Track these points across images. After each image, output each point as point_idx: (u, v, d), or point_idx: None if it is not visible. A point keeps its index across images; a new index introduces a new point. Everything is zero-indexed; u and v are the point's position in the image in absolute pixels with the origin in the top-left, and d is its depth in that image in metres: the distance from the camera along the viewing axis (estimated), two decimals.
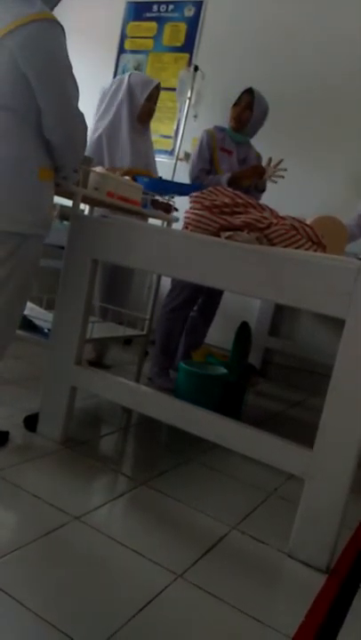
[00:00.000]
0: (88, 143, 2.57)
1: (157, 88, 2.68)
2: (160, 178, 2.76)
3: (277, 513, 1.72)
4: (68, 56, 1.56)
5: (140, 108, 2.63)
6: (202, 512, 1.62)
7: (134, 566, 1.29)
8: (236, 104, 2.80)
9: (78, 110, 1.59)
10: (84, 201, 2.18)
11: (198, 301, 2.94)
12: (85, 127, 1.63)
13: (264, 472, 1.87)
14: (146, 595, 1.19)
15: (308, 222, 1.99)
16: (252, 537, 1.53)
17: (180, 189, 2.44)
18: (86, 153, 2.52)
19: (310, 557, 1.44)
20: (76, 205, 1.91)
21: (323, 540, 1.42)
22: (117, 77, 2.76)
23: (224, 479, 1.89)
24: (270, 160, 2.75)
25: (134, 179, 2.47)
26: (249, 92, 2.78)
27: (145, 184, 2.37)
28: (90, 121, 2.28)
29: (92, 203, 2.39)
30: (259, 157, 2.96)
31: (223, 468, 1.96)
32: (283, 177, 2.74)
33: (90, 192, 1.97)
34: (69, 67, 1.56)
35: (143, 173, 2.60)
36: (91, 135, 2.60)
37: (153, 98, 2.66)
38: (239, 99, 2.79)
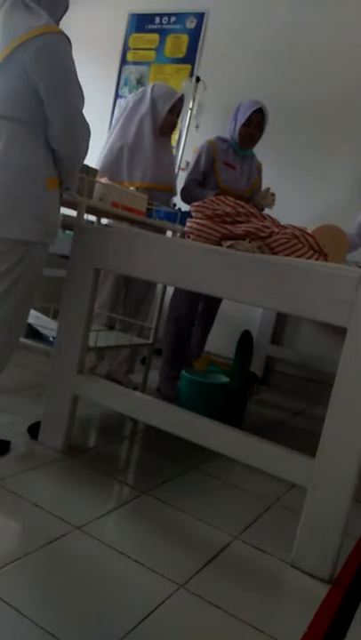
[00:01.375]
0: (105, 155, 2.60)
1: (181, 100, 2.63)
2: (179, 209, 2.73)
3: (280, 522, 1.71)
4: (75, 68, 1.59)
5: (163, 121, 2.58)
6: (204, 522, 1.61)
7: (136, 576, 1.29)
8: (246, 124, 2.74)
9: (84, 121, 1.62)
10: (89, 211, 2.20)
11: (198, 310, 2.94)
12: (89, 136, 1.65)
13: (266, 481, 1.86)
14: (147, 605, 1.19)
15: (309, 231, 2.00)
16: (254, 547, 1.53)
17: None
18: (103, 165, 2.57)
19: (313, 567, 1.43)
20: (80, 215, 1.93)
21: (325, 549, 1.41)
22: (141, 89, 2.70)
23: (226, 488, 1.88)
24: (268, 189, 2.78)
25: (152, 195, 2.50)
26: (259, 112, 2.73)
27: (162, 214, 2.42)
28: (98, 130, 2.31)
29: (97, 213, 2.41)
30: (260, 169, 2.95)
31: (225, 478, 1.95)
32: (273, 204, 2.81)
33: (94, 202, 1.99)
34: (77, 79, 1.59)
35: (163, 189, 2.61)
36: (108, 148, 2.60)
37: (175, 110, 2.61)
38: (249, 119, 2.72)
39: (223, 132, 2.91)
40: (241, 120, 2.74)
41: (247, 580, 1.37)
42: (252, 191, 2.90)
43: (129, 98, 2.68)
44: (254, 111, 2.72)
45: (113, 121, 2.72)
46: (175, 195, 2.81)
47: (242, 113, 2.75)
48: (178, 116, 2.65)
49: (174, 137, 3.89)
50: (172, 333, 2.84)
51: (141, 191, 2.46)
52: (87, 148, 1.68)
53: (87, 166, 1.98)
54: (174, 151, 3.89)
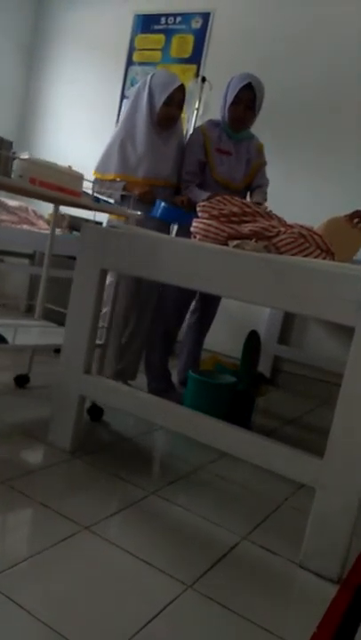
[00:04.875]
0: (105, 149, 2.52)
1: (181, 90, 2.40)
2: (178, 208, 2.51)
3: (288, 523, 1.70)
4: None
5: (158, 112, 2.40)
6: (212, 522, 1.61)
7: (144, 576, 1.29)
8: (234, 102, 2.44)
9: None
10: (10, 190, 1.96)
11: (195, 311, 2.83)
12: None
13: (275, 481, 1.85)
14: (156, 605, 1.19)
15: (318, 226, 1.98)
16: (262, 547, 1.52)
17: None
18: (101, 159, 2.52)
19: (321, 568, 1.42)
20: None
21: (334, 549, 1.40)
22: (143, 79, 2.53)
23: (234, 488, 1.88)
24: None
25: (150, 192, 2.42)
26: (248, 88, 2.42)
27: (161, 211, 2.32)
28: (105, 130, 2.28)
29: (20, 192, 2.11)
30: (261, 150, 2.68)
31: (233, 478, 1.95)
32: None
33: (13, 180, 1.74)
34: None
35: (159, 185, 2.47)
36: (109, 141, 2.53)
37: (174, 101, 2.39)
38: (237, 97, 2.43)
39: None
40: (229, 99, 2.45)
41: (255, 581, 1.36)
42: (253, 176, 2.68)
43: (134, 87, 2.56)
44: (242, 87, 2.40)
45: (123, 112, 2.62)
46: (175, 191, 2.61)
47: (230, 90, 2.46)
48: (179, 107, 2.44)
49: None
50: (158, 350, 2.67)
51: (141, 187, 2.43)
52: None
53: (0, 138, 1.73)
54: None
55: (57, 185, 1.86)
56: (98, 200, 2.29)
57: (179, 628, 1.14)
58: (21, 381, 2.49)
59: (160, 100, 2.38)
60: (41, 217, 3.75)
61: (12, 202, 3.45)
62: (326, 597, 1.33)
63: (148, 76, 2.47)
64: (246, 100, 2.45)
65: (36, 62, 4.69)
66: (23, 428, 2.03)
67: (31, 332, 2.28)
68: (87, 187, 2.18)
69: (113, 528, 1.47)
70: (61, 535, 1.38)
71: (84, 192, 2.14)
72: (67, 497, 1.59)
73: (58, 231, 3.53)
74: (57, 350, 1.99)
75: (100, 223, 2.46)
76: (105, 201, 2.42)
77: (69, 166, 2.01)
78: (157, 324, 2.65)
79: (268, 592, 1.33)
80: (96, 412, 2.24)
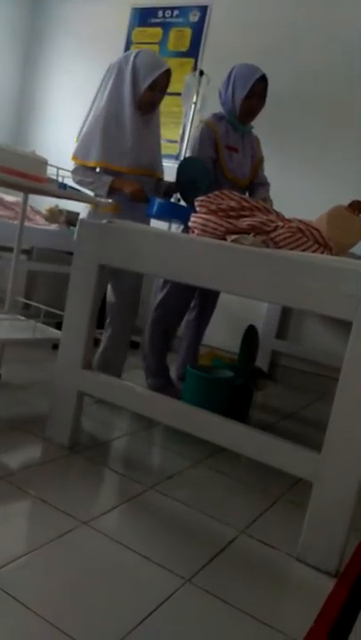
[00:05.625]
0: (85, 131, 2.27)
1: (167, 74, 2.24)
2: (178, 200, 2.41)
3: (286, 517, 1.71)
4: None
5: (141, 97, 2.23)
6: (210, 516, 1.61)
7: (143, 571, 1.29)
8: (248, 96, 2.40)
9: None
10: None
11: (194, 307, 2.79)
12: None
13: (272, 476, 1.86)
14: (154, 599, 1.19)
15: (324, 212, 1.97)
16: (260, 541, 1.53)
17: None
18: (81, 142, 2.25)
19: (319, 561, 1.43)
20: None
21: (331, 543, 1.41)
22: (127, 53, 2.32)
23: (232, 483, 1.89)
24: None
25: (141, 189, 2.23)
26: (262, 81, 2.41)
27: (154, 208, 2.18)
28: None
29: None
30: (259, 144, 2.67)
31: (231, 472, 1.96)
32: None
33: None
34: None
35: (142, 174, 2.31)
36: (90, 121, 2.29)
37: (158, 86, 2.24)
38: (251, 90, 2.39)
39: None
40: (242, 92, 2.39)
41: (253, 574, 1.37)
42: (256, 170, 2.65)
43: (112, 65, 2.31)
44: (258, 80, 2.38)
45: (97, 90, 2.34)
46: (162, 182, 2.48)
47: (240, 83, 2.41)
48: (162, 93, 2.29)
49: (176, 131, 3.89)
50: (157, 348, 2.61)
51: (126, 177, 2.25)
52: None
53: None
54: (177, 146, 3.89)
55: (17, 170, 1.76)
56: (65, 187, 2.15)
57: (177, 621, 1.15)
58: None
59: (145, 84, 2.21)
60: (38, 212, 3.74)
61: (9, 197, 3.43)
62: (324, 591, 1.34)
63: (132, 55, 2.25)
64: (259, 92, 2.43)
65: (33, 55, 4.66)
66: (20, 423, 2.03)
67: (2, 327, 2.21)
68: (63, 174, 2.10)
69: (111, 523, 1.48)
70: (60, 530, 1.38)
71: (50, 178, 2.03)
72: (65, 492, 1.59)
73: (55, 226, 3.53)
74: (55, 346, 1.99)
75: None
76: (73, 188, 2.26)
77: (33, 151, 1.93)
78: (158, 322, 2.64)
79: (267, 585, 1.34)
80: None
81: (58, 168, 2.08)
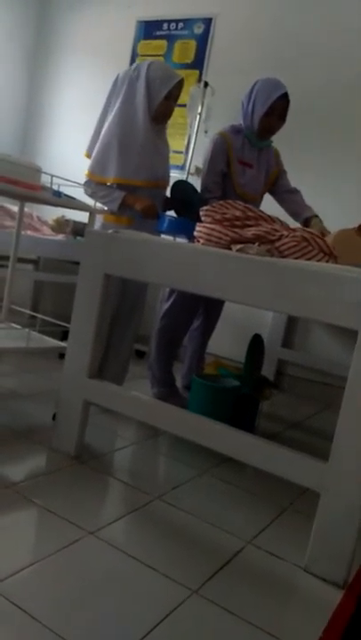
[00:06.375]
0: (99, 147, 2.27)
1: (180, 84, 2.28)
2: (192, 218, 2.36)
3: (293, 527, 1.70)
4: None
5: (157, 107, 2.24)
6: (216, 526, 1.60)
7: (149, 582, 1.29)
8: (268, 113, 2.38)
9: None
10: None
11: (199, 316, 2.80)
12: None
13: (279, 485, 1.85)
14: (161, 610, 1.18)
15: (330, 235, 1.98)
16: (267, 552, 1.52)
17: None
18: (96, 159, 2.27)
19: (326, 572, 1.42)
20: None
21: (339, 554, 1.40)
22: (135, 65, 2.31)
23: (238, 493, 1.88)
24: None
25: (153, 206, 2.24)
26: (284, 99, 2.39)
27: (165, 224, 2.21)
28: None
29: None
30: (279, 157, 2.65)
31: (237, 482, 1.95)
32: None
33: None
34: None
35: (156, 186, 2.33)
36: (102, 139, 2.28)
37: (173, 96, 2.27)
38: (272, 107, 2.37)
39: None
40: (262, 108, 2.37)
41: (261, 585, 1.36)
42: (271, 185, 2.65)
43: (120, 76, 2.31)
44: (280, 97, 2.35)
45: (105, 102, 2.34)
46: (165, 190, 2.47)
47: (262, 99, 2.38)
48: (175, 102, 2.31)
49: (181, 142, 3.91)
50: (163, 357, 2.62)
51: (141, 192, 2.27)
52: None
53: None
54: (182, 157, 3.91)
55: (9, 177, 1.76)
56: (59, 195, 2.16)
57: (184, 633, 1.14)
58: None
59: (160, 95, 2.22)
60: (45, 223, 3.77)
61: (16, 207, 3.46)
62: (332, 602, 1.33)
63: (143, 67, 2.25)
64: (280, 111, 2.41)
65: (40, 68, 4.72)
66: (27, 433, 2.03)
67: None
68: (58, 182, 2.11)
69: (117, 533, 1.47)
70: (66, 540, 1.38)
71: (45, 186, 2.04)
72: (71, 502, 1.59)
73: (61, 236, 3.56)
74: (62, 355, 2.00)
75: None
76: (67, 195, 2.25)
77: (29, 160, 1.94)
78: (163, 331, 2.64)
79: (274, 597, 1.33)
80: None
81: (52, 175, 2.09)
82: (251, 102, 2.43)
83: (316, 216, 2.63)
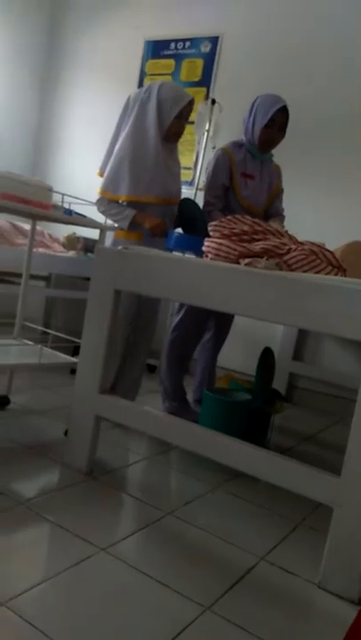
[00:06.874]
0: (112, 165, 2.33)
1: (191, 104, 2.34)
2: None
3: (307, 543, 1.68)
4: None
5: (168, 127, 2.30)
6: (229, 542, 1.59)
7: (162, 598, 1.28)
8: (268, 125, 2.45)
9: None
10: None
11: (209, 329, 2.80)
12: None
13: (292, 501, 1.83)
14: (174, 627, 1.17)
15: (340, 247, 1.98)
16: (281, 568, 1.50)
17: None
18: (109, 177, 2.33)
19: (341, 588, 1.40)
20: None
21: (353, 569, 1.38)
22: (146, 86, 2.36)
23: (251, 508, 1.86)
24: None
25: (161, 224, 2.28)
26: (284, 112, 2.46)
27: (174, 241, 2.24)
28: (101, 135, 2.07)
29: None
30: (280, 173, 2.70)
31: (250, 497, 1.93)
32: None
33: None
34: None
35: (169, 203, 2.38)
36: (114, 159, 2.33)
37: (184, 115, 2.33)
38: (272, 120, 2.45)
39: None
40: (262, 121, 2.45)
41: (274, 602, 1.34)
42: (272, 199, 2.69)
43: (132, 98, 2.37)
44: (279, 110, 2.43)
45: (117, 122, 2.40)
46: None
47: (262, 112, 2.46)
48: (186, 121, 2.37)
49: (190, 158, 3.96)
50: (174, 371, 2.62)
51: (152, 208, 2.31)
52: None
53: None
54: (191, 172, 3.95)
55: (21, 197, 1.79)
56: (70, 213, 2.22)
57: None
58: (1, 403, 2.43)
59: (172, 115, 2.29)
60: (56, 240, 3.82)
61: (28, 225, 3.51)
62: (347, 619, 1.31)
63: (154, 88, 2.31)
64: (280, 123, 2.48)
65: (50, 88, 4.82)
66: (38, 448, 2.04)
67: (10, 352, 2.27)
68: (69, 201, 2.13)
69: (129, 549, 1.47)
70: (78, 557, 1.38)
71: (56, 205, 2.07)
72: (83, 518, 1.59)
73: (72, 253, 3.60)
74: (73, 371, 2.01)
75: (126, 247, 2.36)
76: (78, 213, 2.31)
77: (39, 179, 1.98)
78: (174, 345, 2.65)
79: (287, 613, 1.31)
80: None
81: (63, 194, 2.12)
82: (252, 116, 2.50)
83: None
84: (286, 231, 2.01)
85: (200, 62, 4.06)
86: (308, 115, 3.53)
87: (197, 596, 1.30)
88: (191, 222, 2.41)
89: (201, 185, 3.69)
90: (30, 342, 2.43)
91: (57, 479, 1.83)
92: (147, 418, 1.80)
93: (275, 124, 2.47)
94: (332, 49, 3.50)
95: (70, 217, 2.21)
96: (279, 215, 2.73)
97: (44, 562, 1.36)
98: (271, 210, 2.71)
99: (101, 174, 2.42)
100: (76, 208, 2.33)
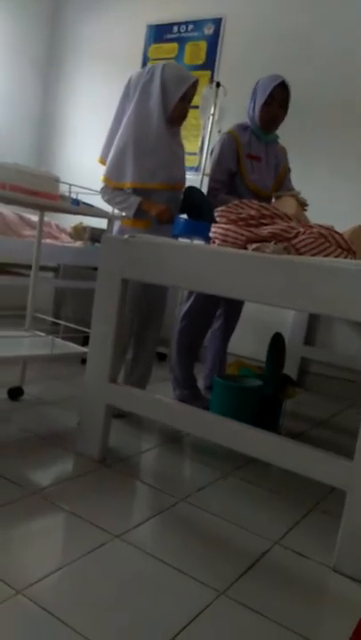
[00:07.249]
0: (114, 151, 2.27)
1: (195, 85, 2.27)
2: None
3: (320, 527, 1.68)
4: None
5: (172, 109, 2.24)
6: (243, 527, 1.60)
7: (176, 584, 1.29)
8: (267, 102, 2.41)
9: None
10: None
11: (219, 316, 2.80)
12: None
13: (305, 485, 1.83)
14: (189, 612, 1.18)
15: (348, 229, 1.95)
16: (295, 552, 1.51)
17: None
18: (112, 164, 2.28)
19: (356, 571, 1.40)
20: None
21: None
22: (148, 67, 2.30)
23: (264, 494, 1.87)
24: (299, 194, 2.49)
25: (167, 210, 2.24)
26: (281, 87, 2.40)
27: (180, 226, 2.21)
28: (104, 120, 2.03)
29: None
30: (286, 154, 2.67)
31: (262, 483, 1.94)
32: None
33: None
34: None
35: (174, 188, 2.33)
36: (117, 144, 2.28)
37: (188, 97, 2.27)
38: (271, 96, 2.39)
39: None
40: (262, 98, 2.41)
41: (289, 586, 1.35)
42: (281, 181, 2.66)
43: (133, 79, 2.31)
44: (277, 86, 2.39)
45: (118, 106, 2.34)
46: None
47: (261, 90, 2.43)
48: (189, 103, 2.30)
49: (195, 143, 3.92)
50: (184, 359, 2.62)
51: (157, 195, 2.28)
52: None
53: None
54: (196, 158, 3.92)
55: (29, 189, 1.79)
56: (77, 203, 2.19)
57: (212, 635, 1.14)
58: (15, 394, 2.45)
59: (176, 96, 2.22)
60: (63, 230, 3.82)
61: (35, 217, 3.51)
62: None
63: (157, 69, 2.24)
64: (280, 99, 2.43)
65: (52, 76, 4.78)
66: (52, 438, 2.06)
67: (23, 344, 2.27)
68: (76, 190, 2.12)
69: (144, 536, 1.48)
70: (93, 544, 1.39)
71: (63, 195, 2.06)
72: (97, 506, 1.60)
73: (79, 243, 3.59)
74: (84, 361, 2.02)
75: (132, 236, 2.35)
76: (85, 203, 2.28)
77: (46, 170, 1.98)
78: (184, 333, 2.65)
79: (303, 597, 1.31)
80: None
81: (70, 185, 2.11)
82: (252, 96, 2.49)
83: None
84: (304, 202, 1.97)
85: (204, 45, 4.00)
86: (311, 97, 3.47)
87: (212, 581, 1.30)
88: (197, 208, 2.39)
89: (207, 170, 3.66)
90: (42, 333, 2.44)
91: (71, 468, 1.85)
92: (158, 406, 1.81)
93: (274, 100, 2.42)
94: (338, 27, 3.43)
95: (78, 207, 2.19)
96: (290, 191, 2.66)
97: (59, 550, 1.38)
98: (282, 190, 2.67)
99: (102, 161, 2.37)
100: (83, 197, 2.31)
